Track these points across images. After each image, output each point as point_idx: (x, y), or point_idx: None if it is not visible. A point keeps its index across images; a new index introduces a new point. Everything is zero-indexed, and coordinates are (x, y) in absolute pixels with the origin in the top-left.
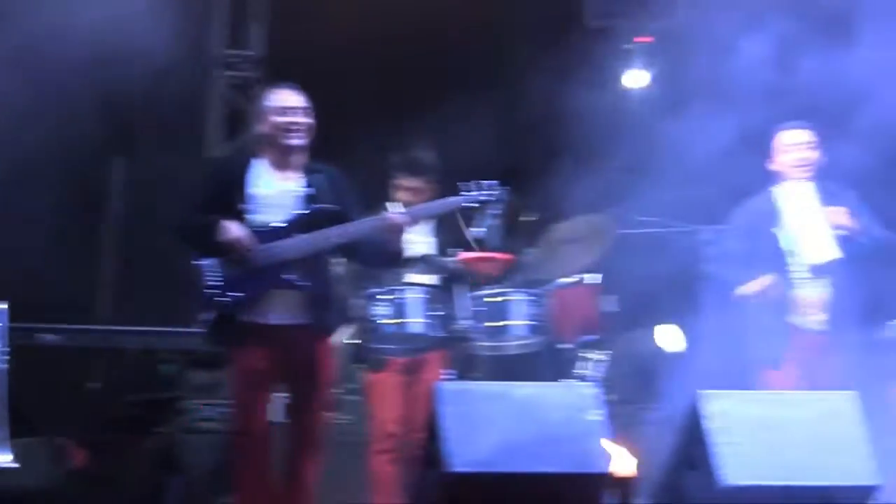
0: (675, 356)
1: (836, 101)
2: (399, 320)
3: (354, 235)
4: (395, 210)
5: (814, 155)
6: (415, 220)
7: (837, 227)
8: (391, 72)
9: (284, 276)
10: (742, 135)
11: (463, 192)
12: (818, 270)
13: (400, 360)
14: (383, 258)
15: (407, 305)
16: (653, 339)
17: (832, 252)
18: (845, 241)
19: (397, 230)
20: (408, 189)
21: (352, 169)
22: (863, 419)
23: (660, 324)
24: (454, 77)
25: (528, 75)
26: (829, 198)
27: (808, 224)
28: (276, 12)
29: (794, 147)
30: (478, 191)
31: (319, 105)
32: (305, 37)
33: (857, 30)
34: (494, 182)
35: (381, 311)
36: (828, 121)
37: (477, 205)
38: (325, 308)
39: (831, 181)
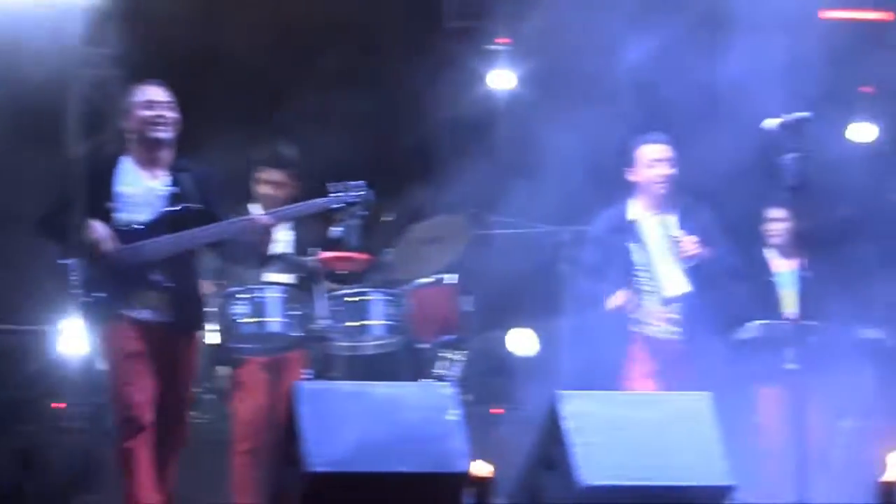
0: (528, 359)
1: (698, 101)
2: (258, 319)
3: (220, 236)
4: (261, 211)
5: (672, 171)
6: (281, 221)
7: (688, 259)
8: (255, 72)
9: (150, 277)
10: (603, 136)
11: (331, 194)
12: (670, 301)
13: (260, 359)
14: (249, 258)
15: (266, 305)
16: (507, 342)
17: (683, 286)
18: (695, 271)
19: (263, 231)
20: (269, 182)
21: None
22: (717, 420)
23: (517, 324)
24: (318, 77)
25: (393, 76)
26: (682, 216)
27: (660, 255)
28: (133, 11)
29: (655, 162)
30: (345, 192)
31: (181, 104)
32: (166, 35)
33: (722, 31)
34: (361, 183)
35: (239, 311)
36: (690, 121)
37: (344, 206)
38: (191, 307)
39: (687, 196)
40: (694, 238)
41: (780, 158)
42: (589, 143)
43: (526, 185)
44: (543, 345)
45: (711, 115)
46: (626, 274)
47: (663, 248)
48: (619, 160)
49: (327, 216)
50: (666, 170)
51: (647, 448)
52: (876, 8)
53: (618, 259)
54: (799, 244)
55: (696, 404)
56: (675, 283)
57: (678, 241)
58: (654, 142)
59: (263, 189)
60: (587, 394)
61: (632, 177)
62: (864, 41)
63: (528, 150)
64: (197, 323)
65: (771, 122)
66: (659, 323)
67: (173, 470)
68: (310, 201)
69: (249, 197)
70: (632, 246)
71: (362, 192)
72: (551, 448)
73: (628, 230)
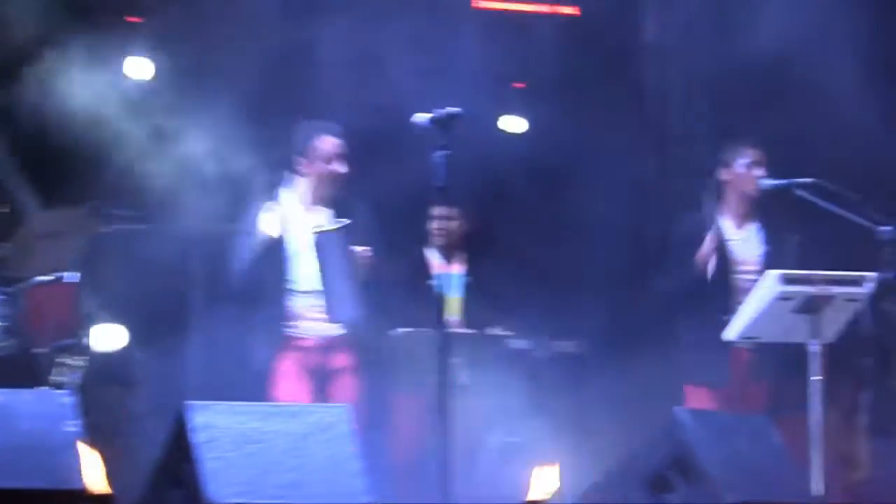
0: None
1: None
2: None
3: None
4: None
5: (345, 168)
6: None
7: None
8: None
9: None
10: (240, 131)
11: None
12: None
13: None
14: None
15: None
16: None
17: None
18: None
19: None
20: None
21: None
22: (355, 434)
23: (145, 326)
24: None
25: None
26: (338, 211)
27: (310, 250)
28: None
29: (333, 157)
30: None
31: None
32: None
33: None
34: None
35: None
36: (349, 114)
37: None
38: None
39: (343, 192)
40: (367, 250)
41: (431, 155)
42: (230, 140)
43: (158, 180)
44: (170, 350)
45: (371, 106)
46: (278, 268)
47: (314, 243)
48: (288, 147)
49: None
50: (342, 167)
51: (282, 464)
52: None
53: (269, 251)
54: (461, 247)
55: (334, 418)
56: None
57: (355, 253)
58: (332, 134)
59: None
60: (218, 405)
61: (304, 167)
62: (516, 32)
63: (165, 144)
64: None
65: (421, 117)
66: (311, 321)
67: None
68: None
69: None
70: (284, 237)
71: None
72: (178, 463)
73: (280, 220)
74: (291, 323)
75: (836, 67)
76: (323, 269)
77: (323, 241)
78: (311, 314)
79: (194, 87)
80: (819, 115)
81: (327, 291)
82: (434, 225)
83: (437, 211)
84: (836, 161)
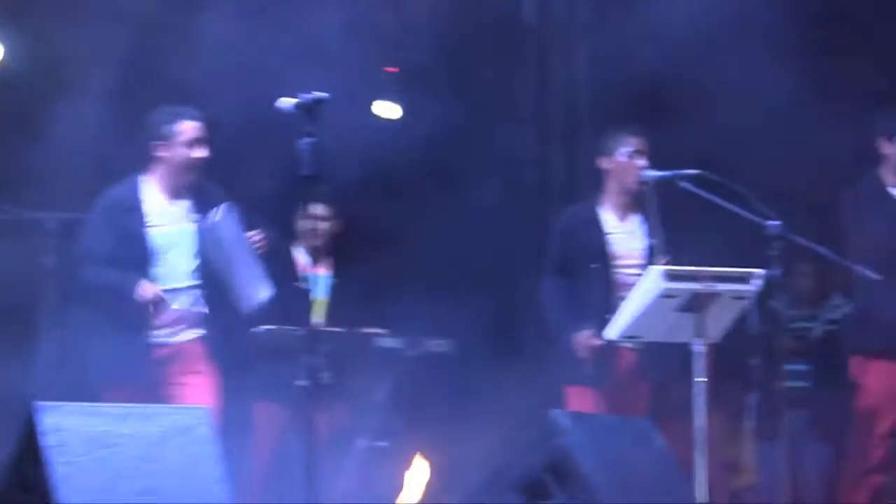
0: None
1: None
2: None
3: None
4: None
5: (206, 152)
6: None
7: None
8: None
9: None
10: (97, 119)
11: None
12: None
13: None
14: None
15: None
16: None
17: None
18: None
19: None
20: None
21: None
22: (216, 436)
23: None
24: None
25: None
26: (198, 200)
27: (178, 244)
28: None
29: (194, 141)
30: None
31: None
32: None
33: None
34: None
35: None
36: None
37: None
38: None
39: (201, 178)
40: (259, 233)
41: (296, 143)
42: (89, 127)
43: (9, 166)
44: (19, 347)
45: (236, 92)
46: (141, 262)
47: (183, 236)
48: (141, 134)
49: None
50: (204, 151)
51: (136, 468)
52: None
53: (130, 246)
54: (331, 250)
55: (192, 420)
56: (182, 274)
57: (249, 237)
58: (193, 118)
59: None
60: (70, 405)
61: (160, 153)
62: (388, 12)
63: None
64: None
65: (286, 102)
66: (173, 327)
67: None
68: None
69: None
70: (147, 231)
71: None
72: (27, 467)
73: (139, 210)
74: (152, 323)
75: (729, 54)
76: (224, 258)
77: (216, 230)
78: (178, 315)
79: (50, 72)
80: (710, 102)
81: (236, 278)
82: (305, 225)
83: (307, 210)
84: (727, 152)
